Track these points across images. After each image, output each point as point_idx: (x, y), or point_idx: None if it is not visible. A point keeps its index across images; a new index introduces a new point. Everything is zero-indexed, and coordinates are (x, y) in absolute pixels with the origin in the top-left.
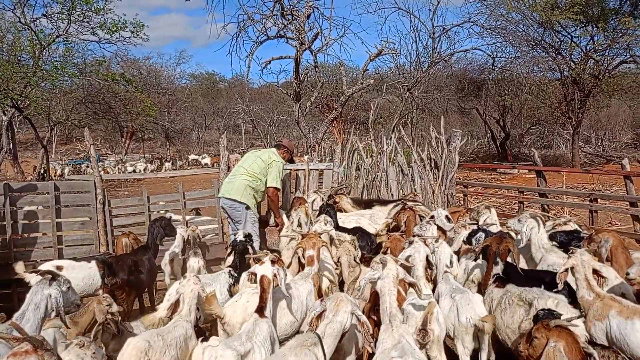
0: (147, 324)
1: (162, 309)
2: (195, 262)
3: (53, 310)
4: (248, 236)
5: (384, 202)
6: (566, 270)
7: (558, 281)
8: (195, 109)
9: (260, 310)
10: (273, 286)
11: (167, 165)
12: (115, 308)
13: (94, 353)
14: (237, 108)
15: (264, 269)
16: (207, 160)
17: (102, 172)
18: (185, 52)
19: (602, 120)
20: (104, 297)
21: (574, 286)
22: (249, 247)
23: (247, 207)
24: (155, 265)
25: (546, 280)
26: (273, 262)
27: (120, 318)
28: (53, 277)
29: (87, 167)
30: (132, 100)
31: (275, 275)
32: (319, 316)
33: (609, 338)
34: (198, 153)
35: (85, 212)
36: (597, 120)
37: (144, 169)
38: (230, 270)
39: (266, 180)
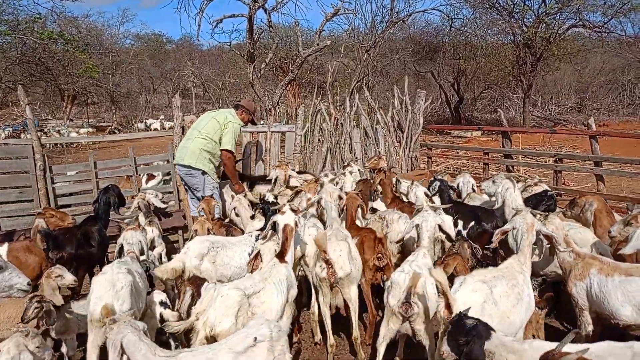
0: None
1: None
2: (149, 232)
3: None
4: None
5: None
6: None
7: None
8: (141, 72)
9: (281, 256)
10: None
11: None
12: (69, 279)
13: (38, 347)
14: (187, 71)
15: (287, 218)
16: (157, 124)
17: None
18: (129, 10)
19: (548, 85)
20: (52, 269)
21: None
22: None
23: (204, 173)
24: (106, 237)
25: (478, 214)
26: (294, 211)
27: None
28: None
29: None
30: (72, 61)
31: (296, 224)
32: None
33: (590, 297)
34: (155, 118)
35: (23, 179)
36: (543, 84)
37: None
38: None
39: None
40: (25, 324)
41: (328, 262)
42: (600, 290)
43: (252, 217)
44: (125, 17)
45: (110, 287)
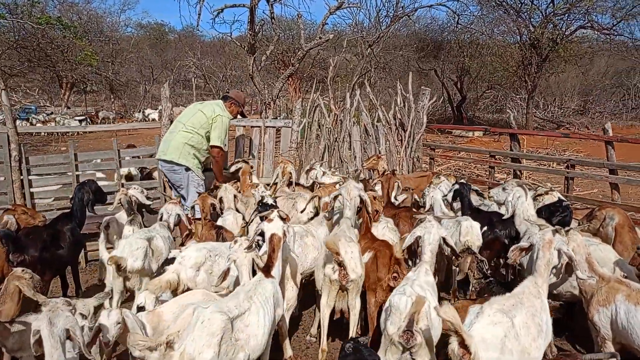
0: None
1: None
2: (128, 231)
3: None
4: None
5: None
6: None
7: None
8: (142, 61)
9: (266, 270)
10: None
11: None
12: (36, 278)
13: None
14: (188, 61)
15: (274, 226)
16: (155, 115)
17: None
18: None
19: (551, 86)
20: (17, 270)
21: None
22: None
23: (188, 169)
24: (80, 237)
25: (494, 220)
26: (282, 219)
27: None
28: None
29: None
30: (71, 47)
31: (284, 233)
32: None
33: (615, 326)
34: (154, 108)
35: None
36: (547, 86)
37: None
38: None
39: (209, 137)
40: None
41: (341, 264)
42: (628, 320)
43: (248, 223)
44: (127, 5)
45: (128, 246)
